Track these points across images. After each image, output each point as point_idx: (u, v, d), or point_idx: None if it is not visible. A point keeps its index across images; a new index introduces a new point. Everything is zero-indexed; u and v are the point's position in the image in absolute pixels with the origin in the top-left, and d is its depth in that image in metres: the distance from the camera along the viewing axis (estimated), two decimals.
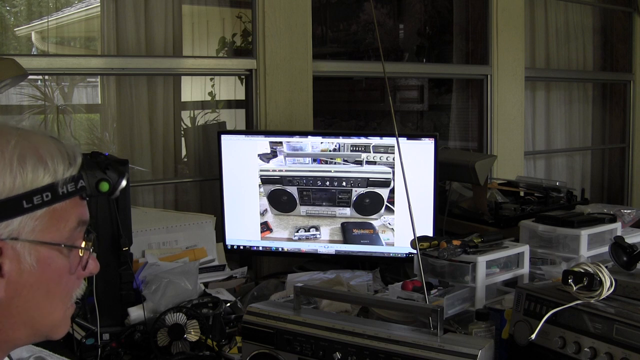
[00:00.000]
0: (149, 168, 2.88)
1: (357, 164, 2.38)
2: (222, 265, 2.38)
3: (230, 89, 3.53)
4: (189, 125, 3.26)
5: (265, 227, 2.49)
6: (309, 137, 2.42)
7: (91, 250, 0.94)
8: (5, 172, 0.82)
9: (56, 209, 0.87)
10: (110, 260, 1.86)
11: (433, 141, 2.30)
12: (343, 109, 5.15)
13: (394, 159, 2.34)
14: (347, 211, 2.42)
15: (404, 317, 1.63)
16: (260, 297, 2.19)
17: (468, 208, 2.65)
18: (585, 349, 1.40)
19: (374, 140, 2.36)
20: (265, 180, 2.45)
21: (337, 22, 5.10)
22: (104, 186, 0.94)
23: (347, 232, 2.43)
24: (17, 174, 0.83)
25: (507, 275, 1.97)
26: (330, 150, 2.40)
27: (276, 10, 2.79)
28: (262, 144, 2.44)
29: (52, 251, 0.87)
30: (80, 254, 0.92)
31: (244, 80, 2.99)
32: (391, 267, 2.49)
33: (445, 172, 2.54)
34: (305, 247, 2.48)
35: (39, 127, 0.92)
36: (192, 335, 1.81)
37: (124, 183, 0.97)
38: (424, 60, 5.04)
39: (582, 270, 1.46)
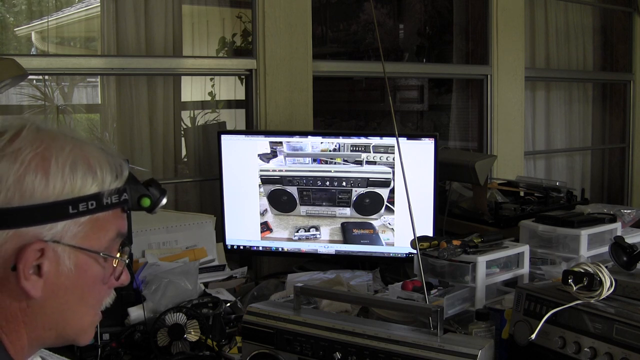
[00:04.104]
0: (149, 168, 2.88)
1: (357, 164, 2.38)
2: (222, 265, 2.38)
3: (230, 89, 3.54)
4: (189, 125, 3.26)
5: (265, 227, 2.49)
6: (309, 137, 2.42)
7: (126, 262, 0.97)
8: (57, 176, 0.86)
9: (99, 218, 0.90)
10: None
11: (433, 141, 2.30)
12: (343, 109, 5.15)
13: (394, 159, 2.34)
14: (347, 211, 2.42)
15: (404, 317, 1.63)
16: (260, 297, 2.19)
17: (468, 208, 2.65)
18: (585, 349, 1.40)
19: (374, 140, 2.36)
20: (265, 180, 2.45)
21: (337, 22, 5.10)
22: (146, 202, 0.98)
23: (347, 232, 2.43)
24: (68, 179, 0.86)
25: (507, 275, 1.97)
26: (330, 150, 2.40)
27: (276, 10, 2.79)
28: (262, 144, 2.44)
29: (90, 258, 0.91)
30: (115, 265, 0.95)
31: (244, 80, 2.99)
32: (391, 267, 2.49)
33: (445, 172, 2.54)
34: (305, 247, 2.48)
35: (91, 139, 0.96)
36: (192, 335, 1.81)
37: (164, 201, 1.01)
38: (424, 60, 5.04)
39: (582, 270, 1.46)
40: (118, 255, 0.95)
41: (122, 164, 0.94)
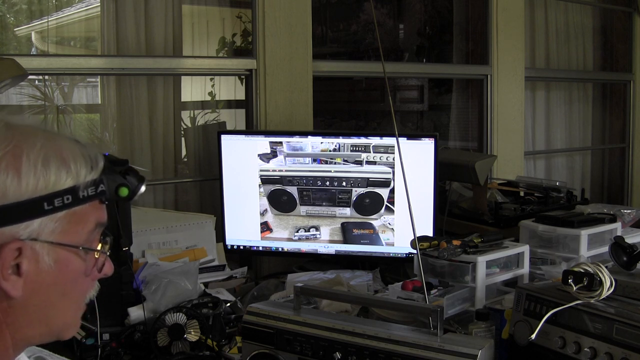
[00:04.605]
0: (149, 168, 2.88)
1: (357, 164, 2.38)
2: (222, 265, 2.38)
3: (230, 89, 3.54)
4: (189, 125, 3.26)
5: (265, 227, 2.49)
6: (309, 137, 2.42)
7: (107, 253, 0.96)
8: (29, 173, 0.84)
9: (76, 212, 0.88)
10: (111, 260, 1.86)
11: (433, 141, 2.30)
12: (343, 109, 5.15)
13: (394, 159, 2.34)
14: (347, 211, 2.42)
15: (404, 317, 1.63)
16: (260, 297, 2.19)
17: (468, 208, 2.65)
18: (585, 349, 1.40)
19: (374, 140, 2.36)
20: (265, 180, 2.45)
21: (337, 22, 5.10)
22: (124, 191, 0.95)
23: (347, 232, 2.43)
24: (41, 176, 0.84)
25: (507, 275, 1.97)
26: (330, 150, 2.40)
27: (276, 10, 2.79)
28: (262, 144, 2.44)
29: (70, 253, 0.89)
30: (96, 256, 0.94)
31: (244, 80, 2.99)
32: (391, 267, 2.49)
33: (445, 172, 2.54)
34: (305, 247, 2.48)
35: (63, 130, 0.94)
36: (192, 335, 1.81)
37: (143, 188, 0.98)
38: (424, 60, 5.04)
39: (582, 270, 1.46)
40: (99, 246, 0.94)
41: (97, 154, 0.92)
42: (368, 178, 2.38)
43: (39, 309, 0.88)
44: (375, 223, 2.40)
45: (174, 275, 1.98)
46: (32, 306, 0.87)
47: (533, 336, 1.46)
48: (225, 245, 2.51)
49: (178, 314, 1.82)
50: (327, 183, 2.41)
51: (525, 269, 2.00)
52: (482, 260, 1.86)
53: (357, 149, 2.37)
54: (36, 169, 0.84)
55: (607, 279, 1.43)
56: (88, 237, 0.91)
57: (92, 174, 0.90)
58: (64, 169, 0.86)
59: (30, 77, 2.41)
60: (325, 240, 2.46)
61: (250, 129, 2.84)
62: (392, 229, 2.38)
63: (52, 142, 0.88)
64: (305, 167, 2.42)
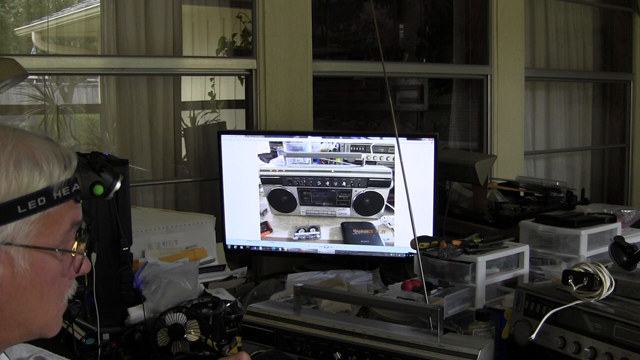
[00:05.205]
0: (149, 168, 2.88)
1: (357, 164, 2.38)
2: (222, 265, 2.38)
3: (230, 89, 3.54)
4: (189, 125, 3.26)
5: (265, 227, 2.49)
6: (309, 137, 2.42)
7: (84, 253, 0.93)
8: (1, 177, 0.82)
9: (50, 213, 0.87)
10: (110, 260, 1.86)
11: (433, 141, 2.30)
12: (343, 109, 5.15)
13: (394, 159, 2.34)
14: (347, 211, 2.42)
15: (404, 317, 1.63)
16: (260, 297, 2.19)
17: (468, 208, 2.65)
18: (585, 349, 1.40)
19: (374, 140, 2.36)
20: (265, 180, 2.45)
21: (337, 22, 5.10)
22: (98, 189, 0.93)
23: (347, 232, 2.43)
24: (13, 178, 0.82)
25: (507, 275, 1.97)
26: (330, 150, 2.40)
27: (276, 10, 2.79)
28: (262, 144, 2.44)
29: (46, 255, 0.87)
30: (73, 255, 0.92)
31: (244, 80, 2.99)
32: (391, 267, 2.49)
33: (445, 172, 2.54)
34: (305, 247, 2.48)
35: (35, 129, 0.91)
36: (192, 335, 1.81)
37: (118, 185, 0.96)
38: (424, 60, 5.04)
39: (582, 270, 1.46)
40: (75, 245, 0.92)
41: (70, 153, 0.90)
42: (368, 178, 2.38)
43: (16, 313, 0.87)
44: (375, 223, 2.40)
45: (174, 275, 1.98)
46: (9, 310, 0.86)
47: (533, 336, 1.46)
48: (225, 245, 2.51)
49: (178, 314, 1.82)
50: (327, 183, 2.41)
51: (525, 269, 2.00)
52: (482, 260, 1.86)
53: (357, 149, 2.37)
54: (8, 172, 0.82)
55: (607, 279, 1.43)
56: (64, 238, 0.89)
57: (66, 174, 0.88)
58: (36, 170, 0.85)
59: (30, 77, 2.42)
60: (325, 240, 2.46)
61: (250, 129, 2.84)
62: (392, 229, 2.38)
63: (23, 142, 0.86)
64: (305, 167, 2.42)
